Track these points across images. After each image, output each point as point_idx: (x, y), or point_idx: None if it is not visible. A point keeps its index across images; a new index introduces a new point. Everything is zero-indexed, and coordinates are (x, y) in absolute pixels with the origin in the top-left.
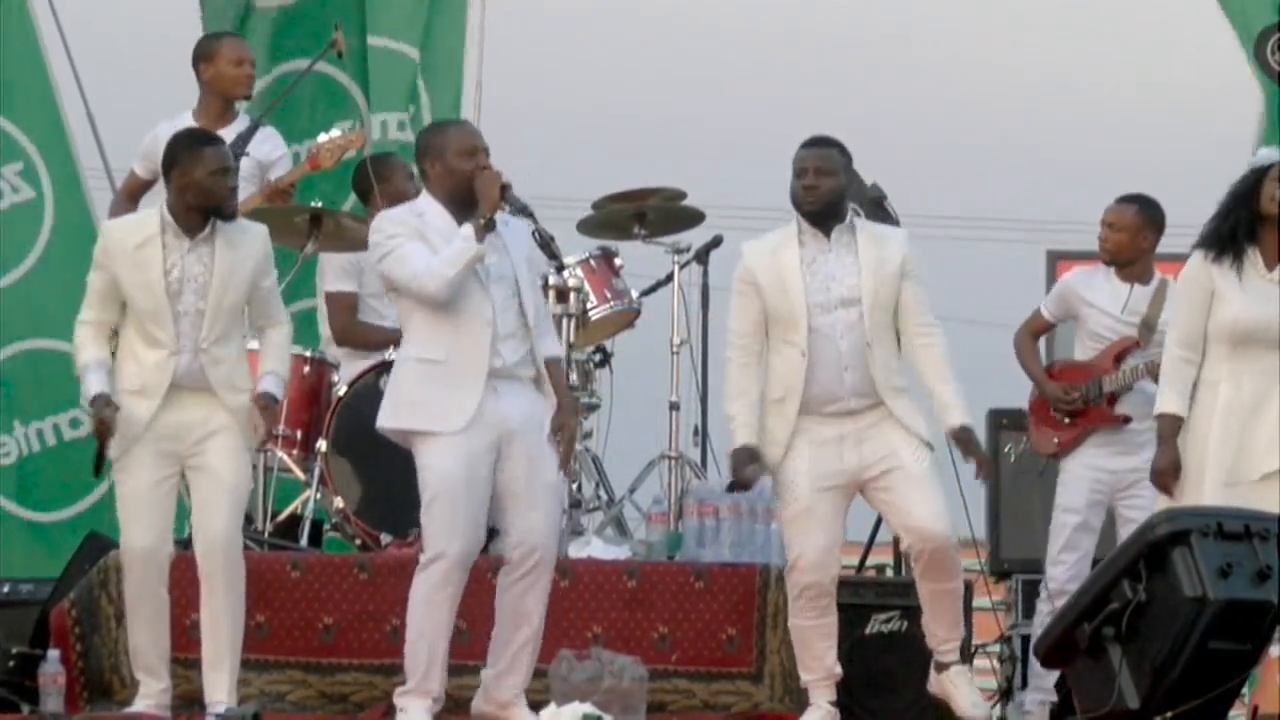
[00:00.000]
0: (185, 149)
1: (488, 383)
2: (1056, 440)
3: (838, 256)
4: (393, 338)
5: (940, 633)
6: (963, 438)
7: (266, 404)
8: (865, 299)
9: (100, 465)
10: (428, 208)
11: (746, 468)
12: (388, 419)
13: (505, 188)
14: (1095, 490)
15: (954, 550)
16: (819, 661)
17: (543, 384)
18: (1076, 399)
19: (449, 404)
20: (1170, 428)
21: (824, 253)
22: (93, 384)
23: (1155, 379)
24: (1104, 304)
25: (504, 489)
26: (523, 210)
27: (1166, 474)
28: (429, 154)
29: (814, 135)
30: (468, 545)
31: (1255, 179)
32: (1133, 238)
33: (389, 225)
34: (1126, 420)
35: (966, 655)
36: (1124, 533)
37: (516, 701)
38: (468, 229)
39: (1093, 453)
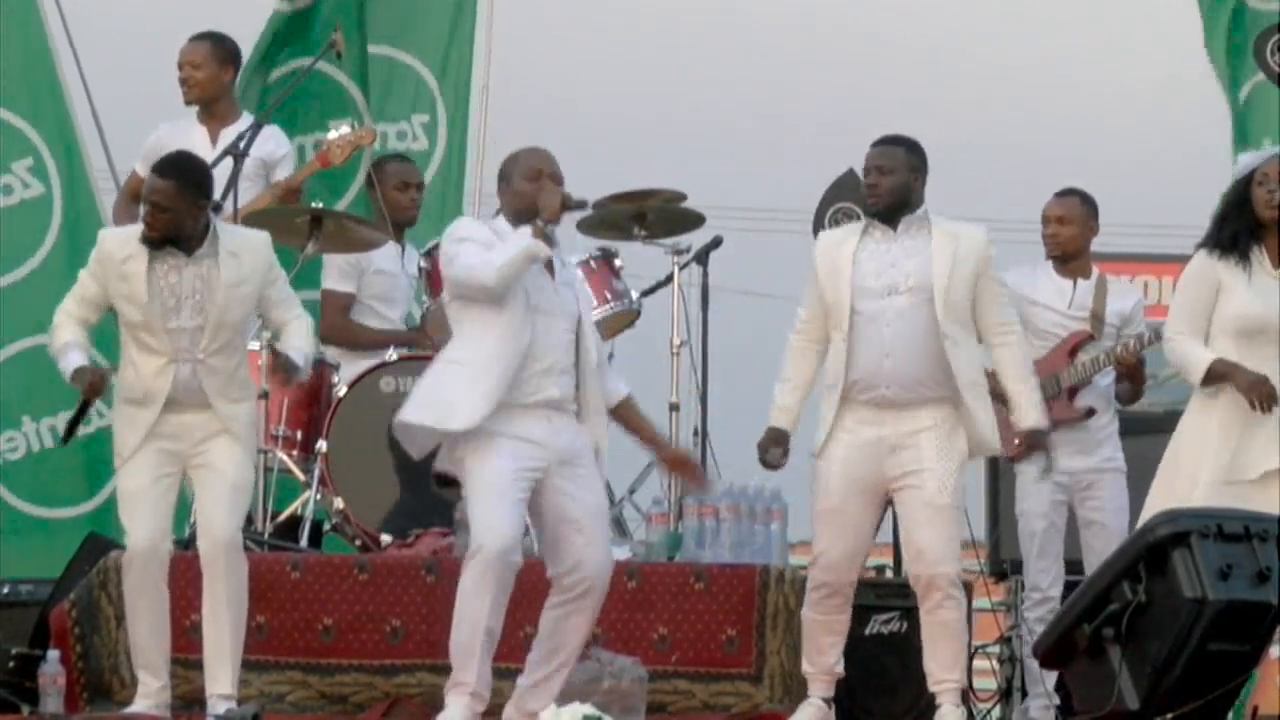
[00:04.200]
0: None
1: (542, 411)
2: (1017, 441)
3: (903, 245)
4: (383, 338)
5: (934, 669)
6: (1031, 441)
7: (284, 367)
8: (937, 288)
9: (73, 432)
10: (502, 224)
11: (768, 451)
12: (412, 414)
13: (566, 197)
14: (1055, 493)
15: (947, 583)
16: (821, 656)
17: (584, 416)
18: None
19: (469, 400)
20: (1228, 364)
21: (889, 241)
22: (73, 359)
23: (1116, 369)
24: (1049, 301)
25: (558, 515)
26: (579, 205)
27: (1258, 385)
28: (501, 179)
29: (883, 134)
30: (507, 537)
31: (1243, 189)
32: (1081, 229)
33: (462, 230)
34: (1090, 413)
35: (965, 702)
36: (1086, 534)
37: (544, 712)
38: (526, 229)
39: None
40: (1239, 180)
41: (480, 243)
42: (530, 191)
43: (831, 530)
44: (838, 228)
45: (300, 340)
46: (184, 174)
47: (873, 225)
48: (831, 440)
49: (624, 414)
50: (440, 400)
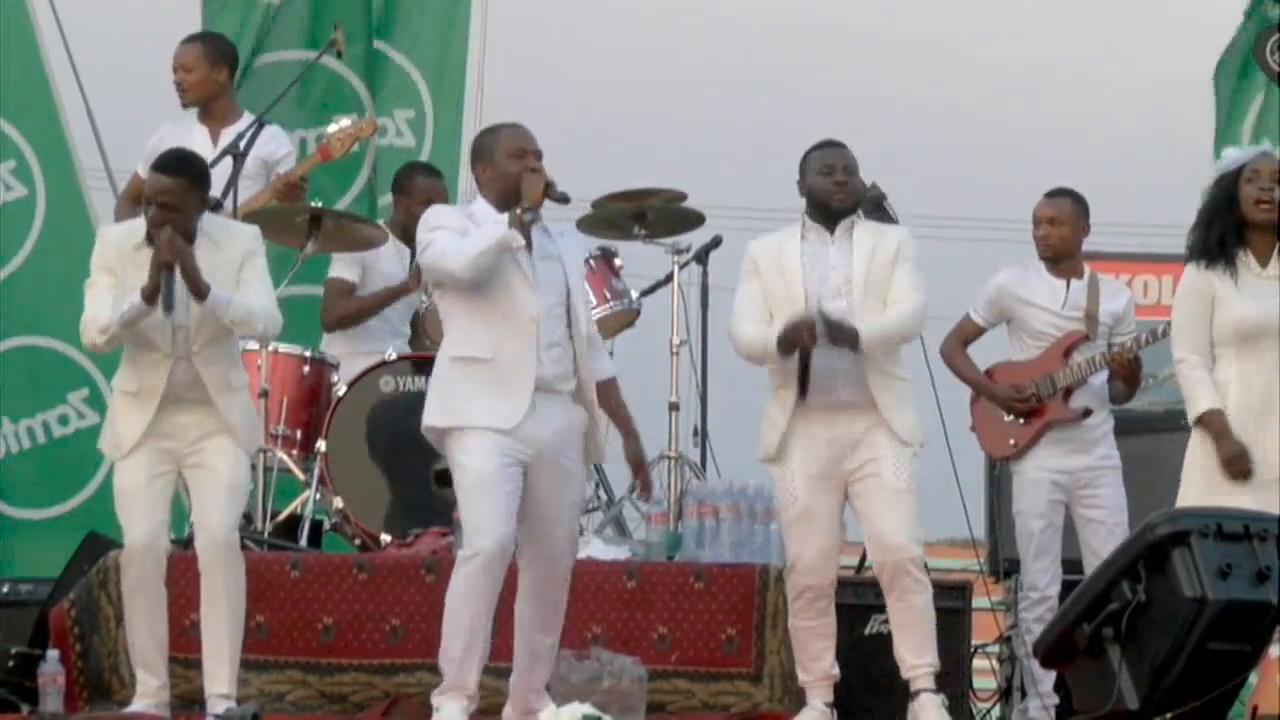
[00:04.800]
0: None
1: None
2: (1013, 442)
3: (839, 249)
4: (373, 301)
5: (906, 655)
6: (826, 317)
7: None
8: (856, 284)
9: (167, 296)
10: (479, 209)
11: (800, 325)
12: (436, 418)
13: (549, 185)
14: (1054, 492)
15: (914, 566)
16: (816, 663)
17: (583, 397)
18: (1030, 398)
19: (499, 404)
20: (1219, 422)
21: (825, 245)
22: (112, 307)
23: (1111, 369)
24: (1043, 301)
25: (528, 503)
26: (561, 199)
27: (1235, 462)
28: (480, 158)
29: (828, 138)
30: (504, 539)
31: (1230, 184)
32: (1074, 230)
33: (435, 218)
34: (1087, 413)
35: (942, 686)
36: (1085, 532)
37: (538, 704)
38: (503, 217)
39: (1047, 453)
40: (1225, 175)
41: (454, 230)
42: (515, 172)
43: (803, 533)
44: (766, 234)
45: (240, 296)
46: (190, 171)
47: (808, 228)
48: (787, 445)
49: (605, 395)
50: (463, 401)
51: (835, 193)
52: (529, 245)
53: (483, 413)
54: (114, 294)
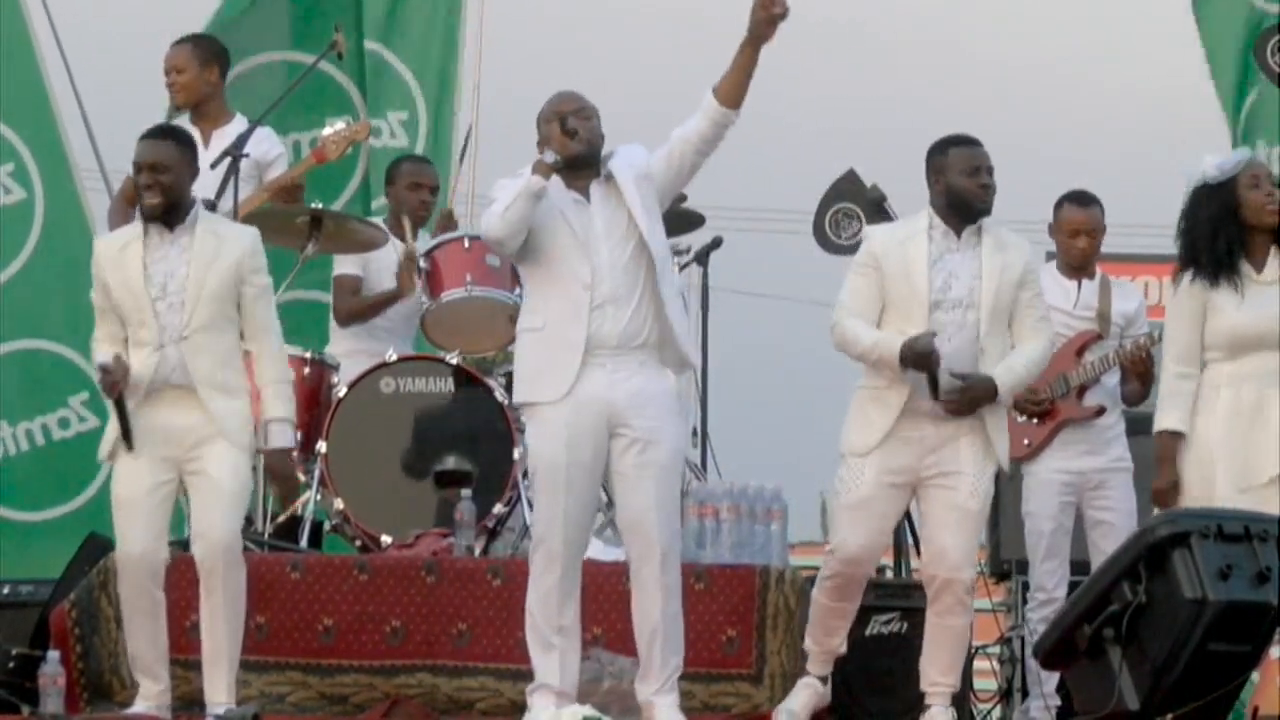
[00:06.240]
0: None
1: (593, 355)
2: (1027, 442)
3: (963, 257)
4: (375, 301)
5: (931, 671)
6: (970, 380)
7: (277, 461)
8: (984, 302)
9: (128, 434)
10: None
11: (923, 347)
12: (515, 394)
13: (563, 120)
14: (1064, 494)
15: (963, 589)
16: (828, 638)
17: (667, 352)
18: (1044, 399)
19: (547, 374)
20: (1170, 446)
21: (951, 251)
22: (99, 356)
23: (1122, 368)
24: (1055, 301)
25: (612, 470)
26: (572, 131)
27: (1166, 494)
28: (537, 130)
29: (962, 134)
30: (570, 532)
31: (1229, 193)
32: (1101, 237)
33: (496, 190)
34: (1101, 411)
35: (957, 706)
36: (1094, 534)
37: (656, 702)
38: (528, 167)
39: (1059, 454)
40: (1218, 186)
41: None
42: (548, 133)
43: (855, 522)
44: (890, 222)
45: (277, 404)
46: (176, 136)
47: (934, 228)
48: (872, 444)
49: (725, 83)
50: (524, 375)
51: (980, 194)
52: (587, 198)
53: (536, 386)
54: (109, 322)
